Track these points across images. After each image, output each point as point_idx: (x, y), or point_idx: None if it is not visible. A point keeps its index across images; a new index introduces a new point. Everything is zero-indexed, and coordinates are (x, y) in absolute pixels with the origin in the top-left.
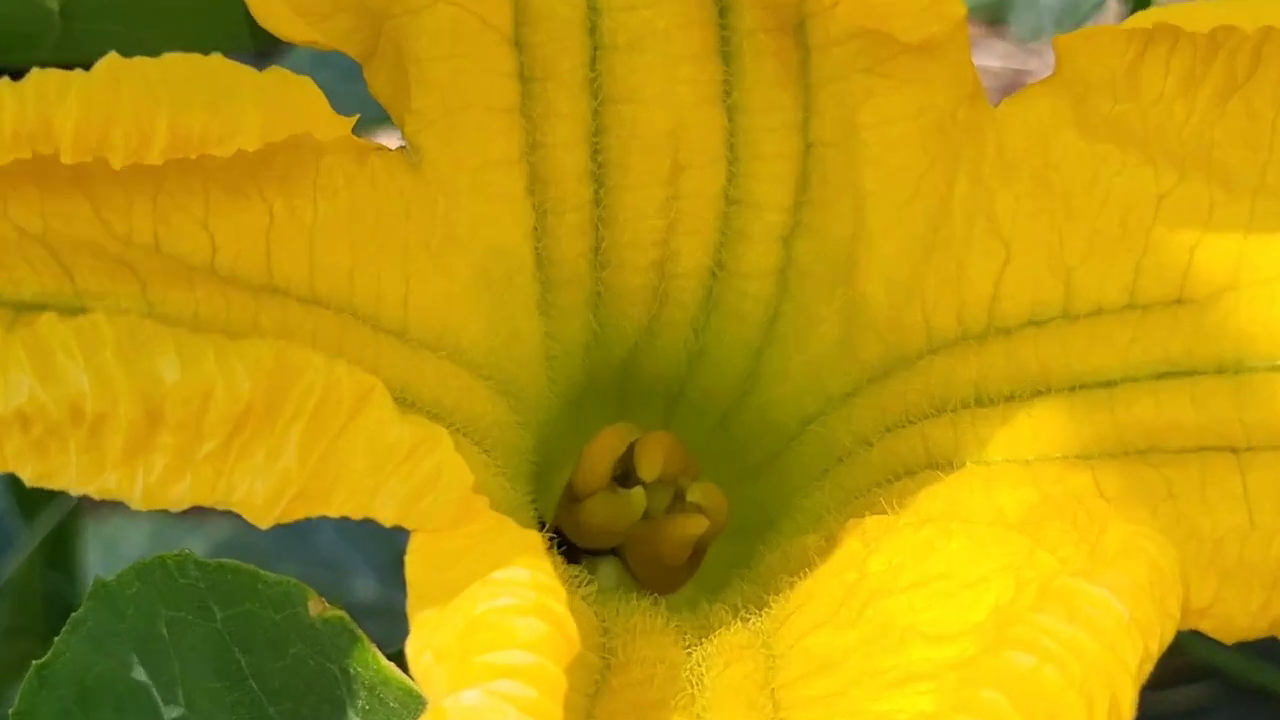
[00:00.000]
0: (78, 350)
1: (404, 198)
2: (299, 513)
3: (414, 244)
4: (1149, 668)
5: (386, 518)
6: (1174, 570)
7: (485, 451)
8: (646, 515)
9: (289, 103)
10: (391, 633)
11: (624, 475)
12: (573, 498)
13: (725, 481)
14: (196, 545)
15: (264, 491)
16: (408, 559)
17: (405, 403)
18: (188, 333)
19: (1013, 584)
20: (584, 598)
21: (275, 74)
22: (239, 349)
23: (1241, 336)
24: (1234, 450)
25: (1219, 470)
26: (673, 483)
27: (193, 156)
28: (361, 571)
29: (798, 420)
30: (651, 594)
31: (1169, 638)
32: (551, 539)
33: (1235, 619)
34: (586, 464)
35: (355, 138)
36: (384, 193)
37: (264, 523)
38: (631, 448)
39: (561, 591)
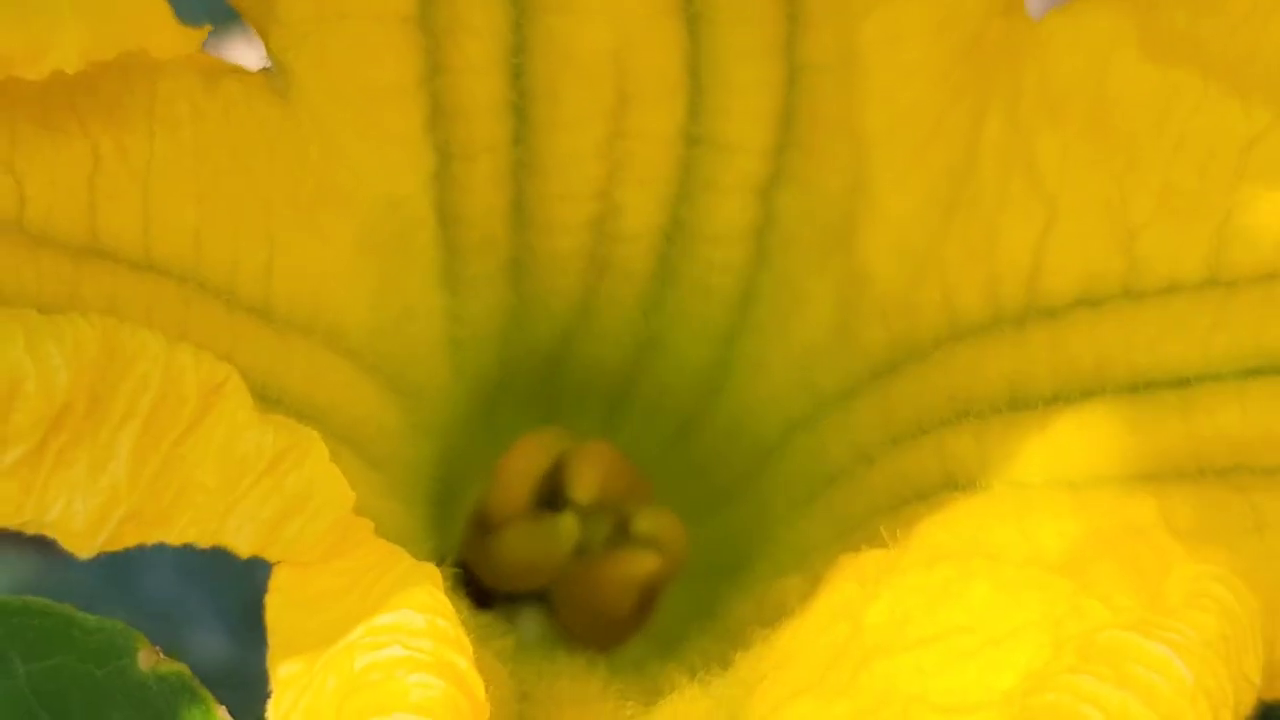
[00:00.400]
0: None
1: (267, 135)
2: (130, 539)
3: (279, 196)
4: None
5: (242, 546)
6: (1254, 623)
7: (371, 465)
8: (580, 550)
9: (119, 11)
10: (245, 703)
11: (551, 497)
12: (484, 525)
13: (685, 508)
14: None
15: (86, 511)
16: (269, 600)
17: (268, 400)
18: None
19: (1050, 642)
20: (497, 653)
21: None
22: (56, 329)
23: None
24: None
25: None
26: (615, 508)
27: None
28: (205, 622)
29: (780, 426)
30: (587, 651)
31: (1246, 708)
32: (456, 577)
33: None
34: (502, 481)
35: (206, 55)
36: (241, 128)
37: (85, 551)
38: (561, 461)
39: (465, 642)
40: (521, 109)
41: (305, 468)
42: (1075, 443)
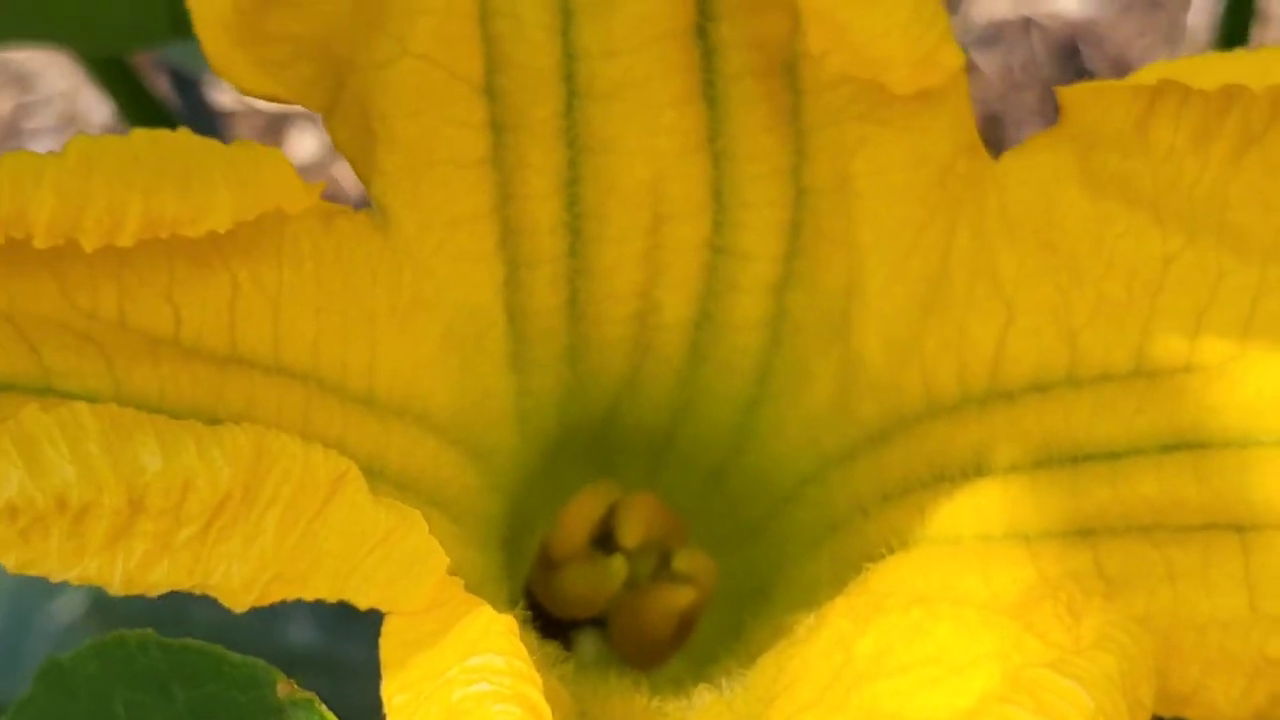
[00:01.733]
0: (63, 441)
1: (370, 262)
2: (276, 595)
3: (380, 309)
4: None
5: (362, 601)
6: (1147, 660)
7: (454, 520)
8: (629, 583)
9: (260, 179)
10: (334, 687)
11: (604, 538)
12: (548, 564)
13: (716, 545)
14: (69, 603)
15: (241, 575)
16: (383, 641)
17: (372, 472)
18: (167, 421)
19: (999, 671)
20: (559, 677)
21: (245, 149)
22: (218, 437)
23: (1249, 409)
24: (1239, 529)
25: (1223, 551)
26: (657, 547)
27: (163, 236)
28: (297, 616)
29: (793, 480)
30: (634, 669)
31: None
32: (526, 612)
33: (1219, 707)
34: (562, 530)
35: (323, 202)
36: (350, 258)
37: (240, 606)
38: (612, 509)
39: (537, 678)
40: (576, 228)
41: (411, 539)
42: (1028, 502)
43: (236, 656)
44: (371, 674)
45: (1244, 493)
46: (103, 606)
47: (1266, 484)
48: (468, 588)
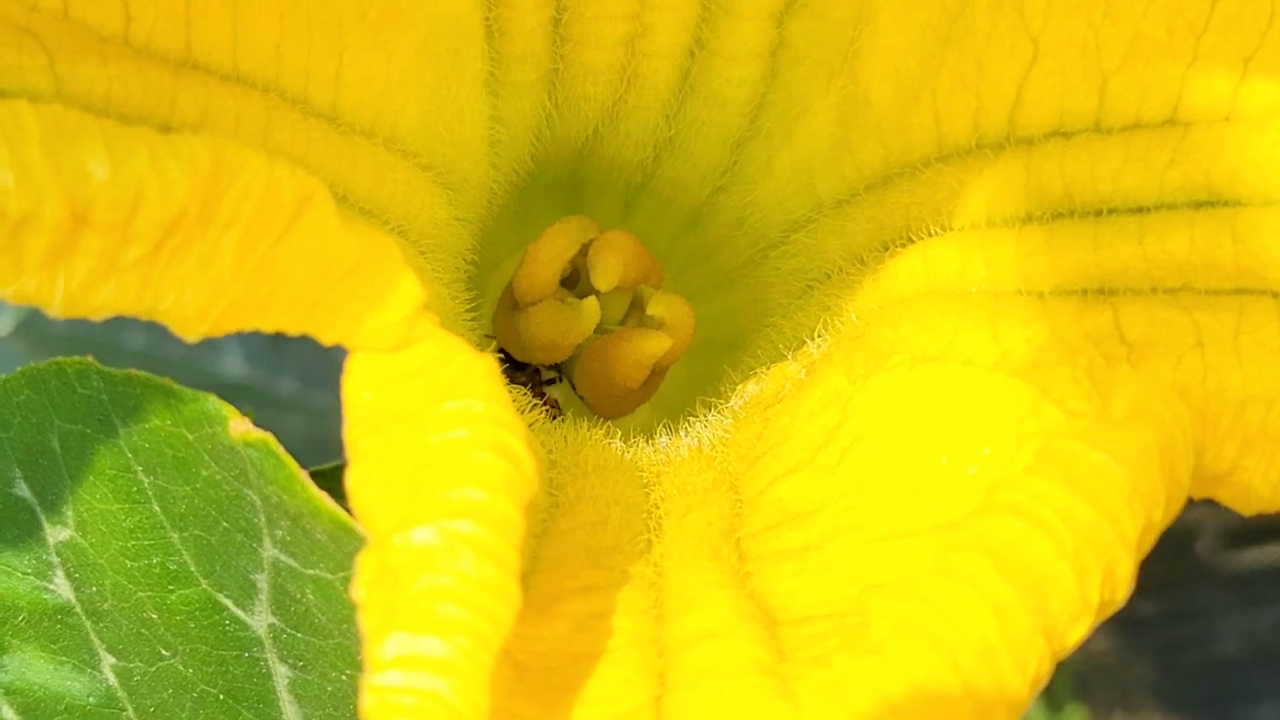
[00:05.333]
0: (0, 142)
1: None
2: (232, 325)
3: (349, 15)
4: (1152, 538)
5: (327, 335)
6: (1187, 437)
7: (422, 253)
8: (599, 328)
9: None
10: (266, 422)
11: (573, 277)
12: (513, 304)
13: (692, 289)
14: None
15: (194, 301)
16: (346, 380)
17: (336, 196)
18: (117, 126)
19: (1012, 439)
20: (530, 424)
21: None
22: (173, 146)
23: None
24: (1275, 295)
25: (1256, 317)
26: (630, 290)
27: None
28: (229, 348)
29: (781, 225)
30: (600, 418)
31: (1176, 508)
32: (495, 354)
33: (1255, 488)
34: (530, 266)
35: None
36: None
37: (191, 335)
38: (585, 249)
39: (520, 426)
40: None
41: (384, 268)
42: (1044, 256)
43: (186, 390)
44: (305, 409)
45: None
46: (31, 326)
47: None
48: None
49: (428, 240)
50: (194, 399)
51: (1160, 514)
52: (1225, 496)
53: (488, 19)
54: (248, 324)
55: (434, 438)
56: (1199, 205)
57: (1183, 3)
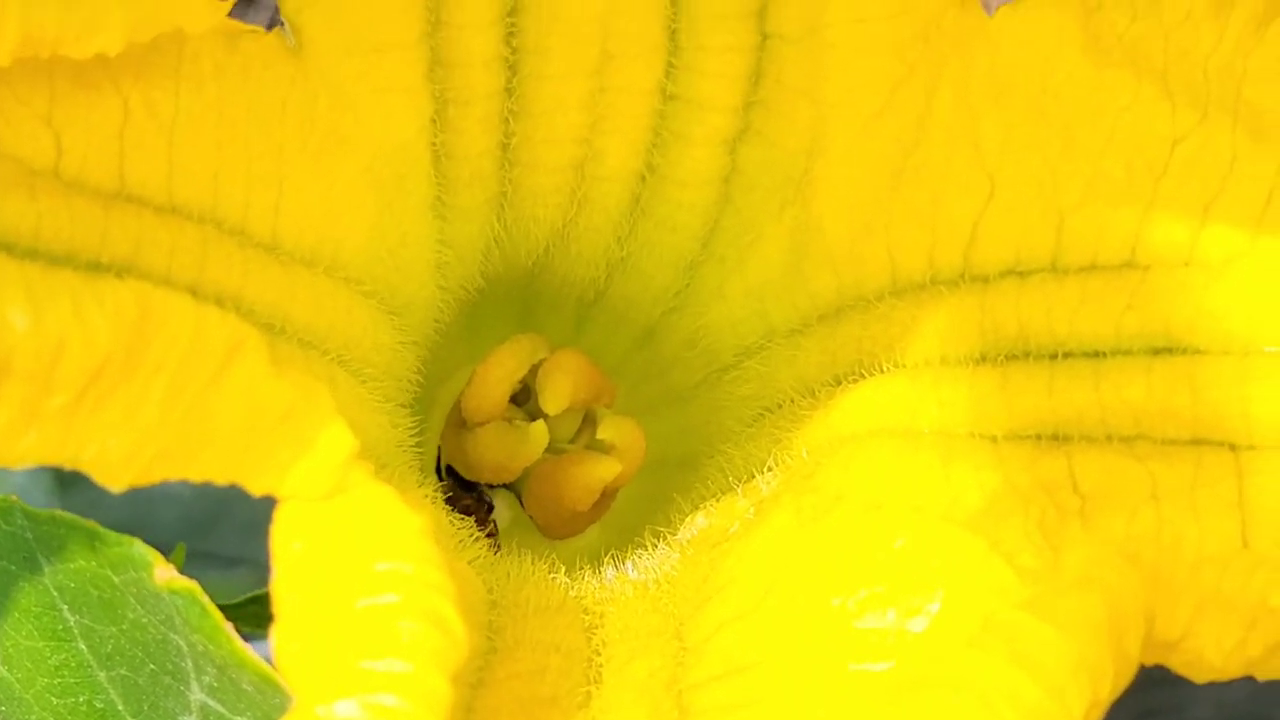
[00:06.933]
0: None
1: (280, 89)
2: (158, 475)
3: (290, 143)
4: (1097, 715)
5: (257, 484)
6: (1137, 605)
7: (362, 382)
8: (550, 447)
9: None
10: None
11: (524, 393)
12: (461, 423)
13: (645, 405)
14: None
15: (119, 450)
16: (274, 530)
17: (274, 328)
18: (40, 270)
19: (960, 597)
20: (471, 561)
21: None
22: (98, 293)
23: (1254, 314)
24: (1233, 447)
25: (1213, 470)
26: (582, 409)
27: (44, 56)
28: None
29: (734, 350)
30: (548, 537)
31: (1125, 681)
32: (439, 483)
33: (1207, 657)
34: (478, 387)
35: (228, 20)
36: (257, 83)
37: (116, 485)
38: (535, 368)
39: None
40: (513, 63)
41: (314, 416)
42: (997, 399)
43: (111, 533)
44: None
45: (1242, 407)
46: None
47: (1268, 399)
48: (374, 456)
49: (370, 368)
50: (118, 542)
51: (1107, 690)
52: (1177, 664)
53: (434, 143)
54: (175, 473)
55: (361, 602)
56: (1156, 352)
57: (1142, 142)
